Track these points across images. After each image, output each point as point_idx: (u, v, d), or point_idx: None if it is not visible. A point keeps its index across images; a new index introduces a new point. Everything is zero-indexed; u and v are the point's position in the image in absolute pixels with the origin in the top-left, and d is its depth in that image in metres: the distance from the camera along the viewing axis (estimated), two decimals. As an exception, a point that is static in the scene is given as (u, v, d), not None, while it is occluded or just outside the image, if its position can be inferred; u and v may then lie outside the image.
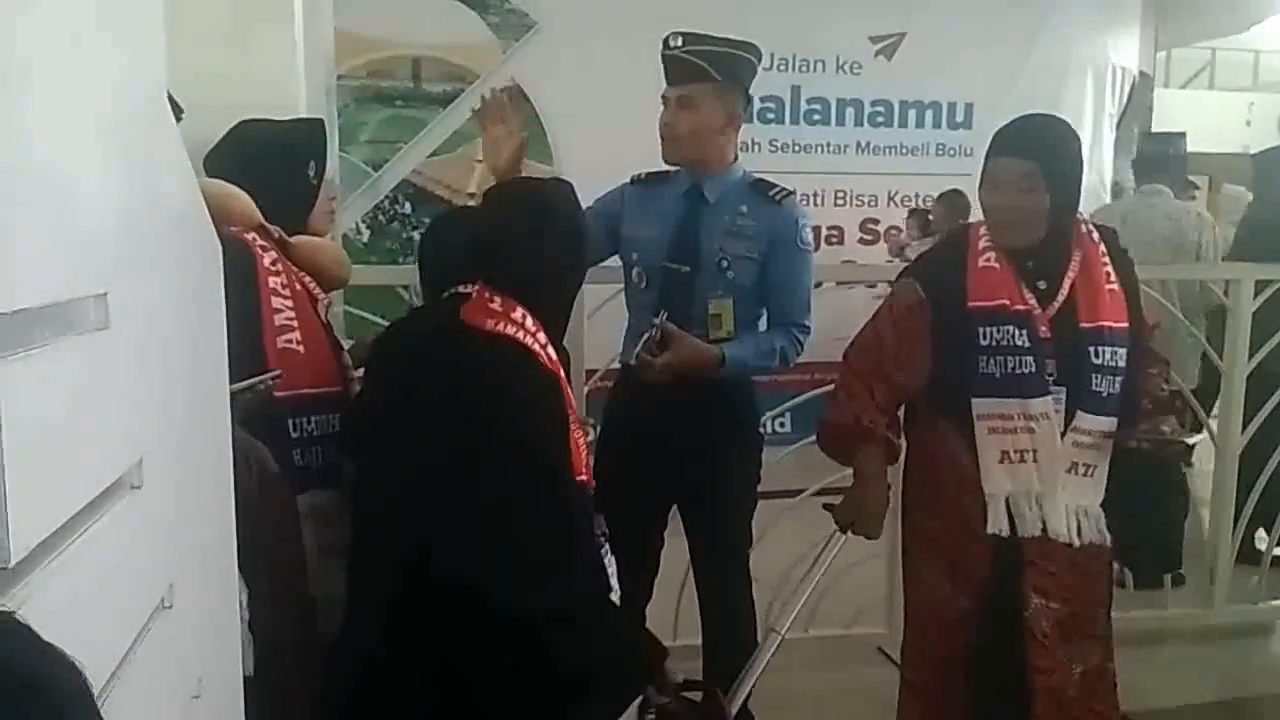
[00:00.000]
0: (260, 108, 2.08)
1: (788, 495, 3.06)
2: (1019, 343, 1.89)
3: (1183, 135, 4.16)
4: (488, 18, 4.95)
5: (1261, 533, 3.58)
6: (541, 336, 1.61)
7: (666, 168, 2.40)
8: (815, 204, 5.31)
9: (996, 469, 1.91)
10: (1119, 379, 1.94)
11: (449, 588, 1.46)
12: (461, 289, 1.81)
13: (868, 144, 5.47)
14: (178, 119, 1.79)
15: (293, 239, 1.95)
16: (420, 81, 4.97)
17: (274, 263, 1.87)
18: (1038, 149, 1.89)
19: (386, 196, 5.02)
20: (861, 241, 5.49)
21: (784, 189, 2.35)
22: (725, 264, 2.27)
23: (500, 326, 1.56)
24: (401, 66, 4.93)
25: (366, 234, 5.04)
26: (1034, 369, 1.90)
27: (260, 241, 1.87)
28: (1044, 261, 1.95)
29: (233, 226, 1.85)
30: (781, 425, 4.05)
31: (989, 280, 1.93)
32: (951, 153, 5.56)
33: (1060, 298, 1.94)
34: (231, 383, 1.63)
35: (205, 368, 0.91)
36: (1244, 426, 3.21)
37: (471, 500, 1.47)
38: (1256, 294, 3.16)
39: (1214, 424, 3.31)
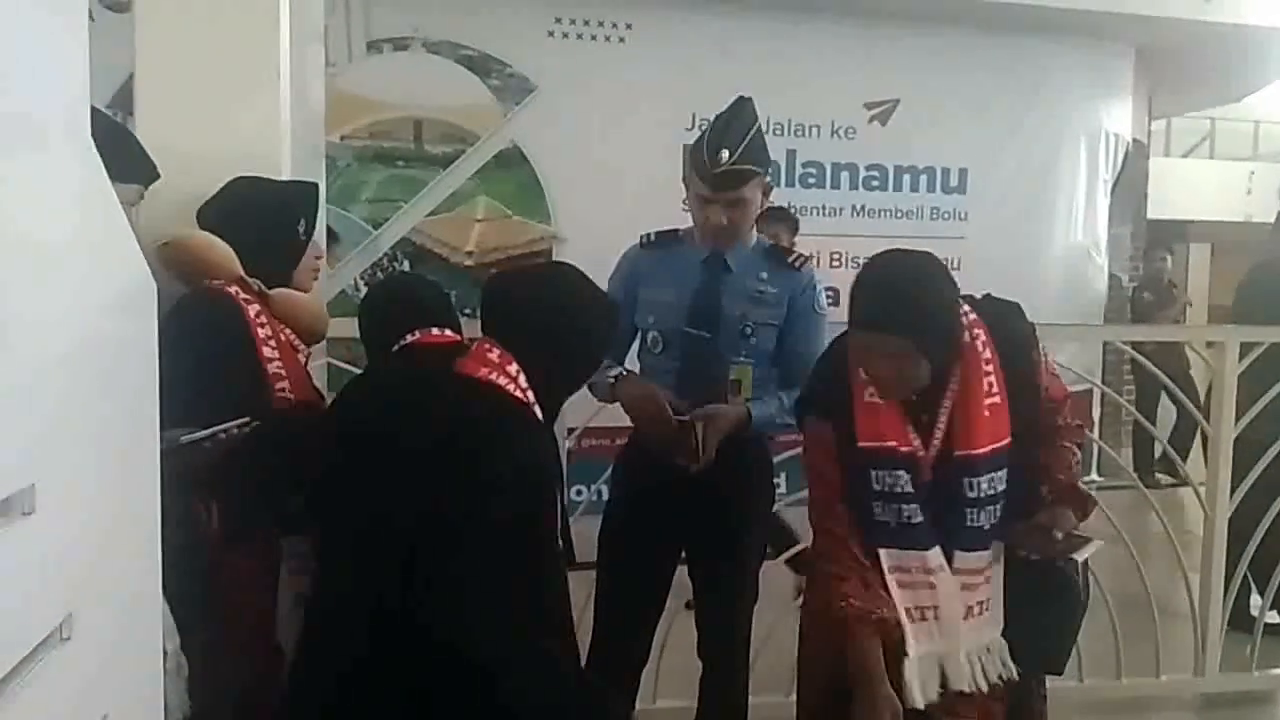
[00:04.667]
0: (245, 167, 2.12)
1: (774, 555, 3.04)
2: (906, 489, 1.76)
3: None
4: (489, 81, 5.07)
5: (1256, 598, 3.53)
6: (531, 395, 1.62)
7: (671, 227, 2.43)
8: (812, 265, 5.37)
9: (906, 626, 1.76)
10: (999, 505, 1.79)
11: (420, 634, 1.46)
12: (420, 334, 1.84)
13: (863, 207, 5.54)
14: (153, 178, 1.85)
15: (272, 291, 1.98)
16: (421, 142, 5.08)
17: (258, 314, 1.91)
18: (906, 325, 1.69)
19: (385, 254, 5.09)
20: (857, 303, 5.52)
21: (801, 254, 2.39)
22: (749, 330, 2.30)
23: (493, 376, 1.58)
24: (403, 128, 5.04)
25: (364, 291, 5.10)
26: (923, 517, 1.76)
27: (243, 295, 1.91)
28: (925, 393, 1.80)
29: (213, 279, 1.90)
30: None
31: (875, 419, 1.78)
32: (946, 216, 5.63)
33: (940, 430, 1.80)
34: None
35: (129, 405, 0.92)
36: (1231, 491, 3.19)
37: (456, 544, 1.48)
38: (1241, 357, 3.16)
39: (1201, 488, 3.29)
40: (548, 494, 1.61)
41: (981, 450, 1.77)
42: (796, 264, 2.35)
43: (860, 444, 1.78)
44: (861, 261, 5.66)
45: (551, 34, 5.07)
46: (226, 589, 1.75)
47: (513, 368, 1.60)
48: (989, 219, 5.63)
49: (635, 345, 2.44)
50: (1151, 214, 7.57)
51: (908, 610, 1.76)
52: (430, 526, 1.50)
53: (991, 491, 1.78)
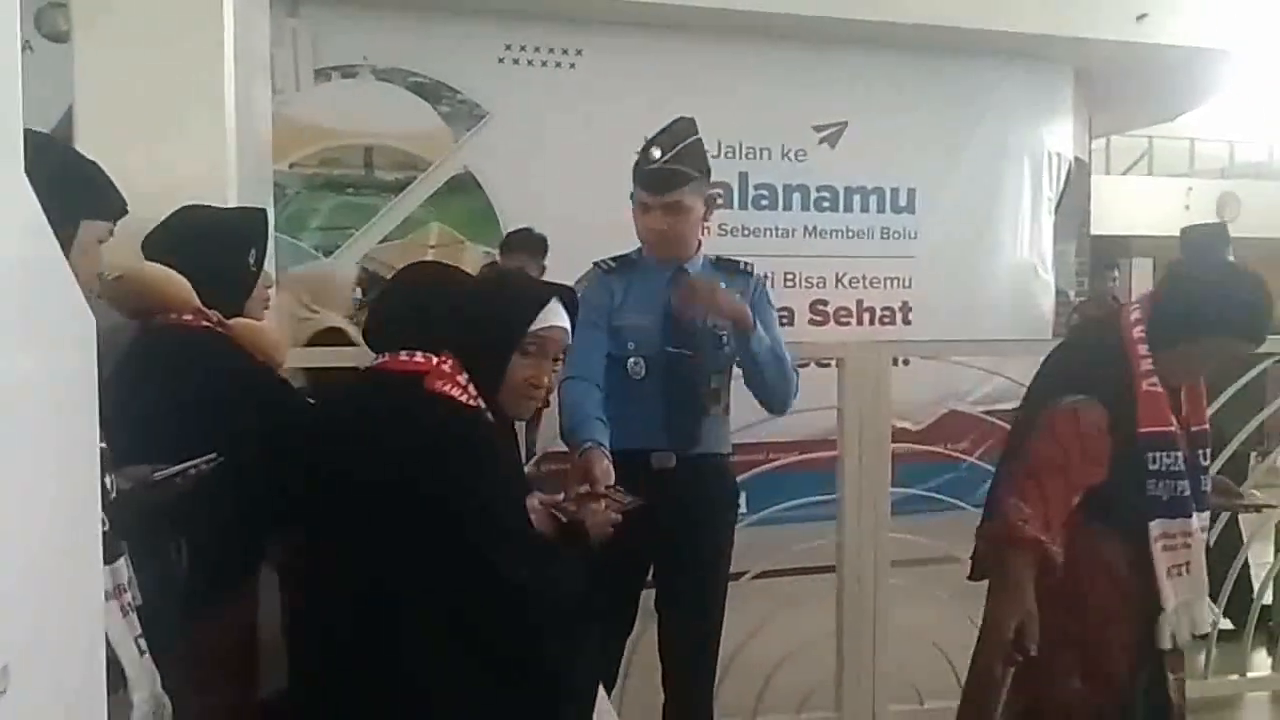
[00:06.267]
0: (190, 198, 2.08)
1: (734, 576, 3.02)
2: (1178, 466, 1.96)
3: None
4: (439, 108, 5.05)
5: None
6: (481, 401, 1.64)
7: (624, 252, 2.44)
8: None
9: (1166, 584, 1.96)
10: (1208, 474, 2.08)
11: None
12: (402, 356, 1.82)
13: (814, 228, 5.60)
14: (123, 213, 1.80)
15: (231, 321, 1.94)
16: (372, 169, 5.05)
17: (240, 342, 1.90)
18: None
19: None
20: (811, 322, 5.57)
21: (747, 261, 2.46)
22: (725, 339, 2.32)
23: (447, 388, 1.60)
24: (353, 155, 5.01)
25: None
26: (1189, 490, 1.97)
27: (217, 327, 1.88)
28: None
29: (171, 311, 1.85)
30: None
31: (1156, 406, 1.97)
32: (896, 235, 5.71)
33: (1183, 410, 2.03)
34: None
35: (68, 446, 0.89)
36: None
37: (456, 554, 1.49)
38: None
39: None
40: (516, 486, 1.63)
41: (1206, 426, 2.06)
42: (747, 269, 2.42)
43: (1142, 429, 1.95)
44: (814, 281, 5.50)
45: (502, 60, 5.07)
46: (204, 656, 1.69)
47: (463, 377, 1.62)
48: (938, 238, 5.73)
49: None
50: (1094, 230, 7.75)
51: (1169, 569, 1.94)
52: (408, 550, 1.49)
53: (1209, 461, 2.08)
